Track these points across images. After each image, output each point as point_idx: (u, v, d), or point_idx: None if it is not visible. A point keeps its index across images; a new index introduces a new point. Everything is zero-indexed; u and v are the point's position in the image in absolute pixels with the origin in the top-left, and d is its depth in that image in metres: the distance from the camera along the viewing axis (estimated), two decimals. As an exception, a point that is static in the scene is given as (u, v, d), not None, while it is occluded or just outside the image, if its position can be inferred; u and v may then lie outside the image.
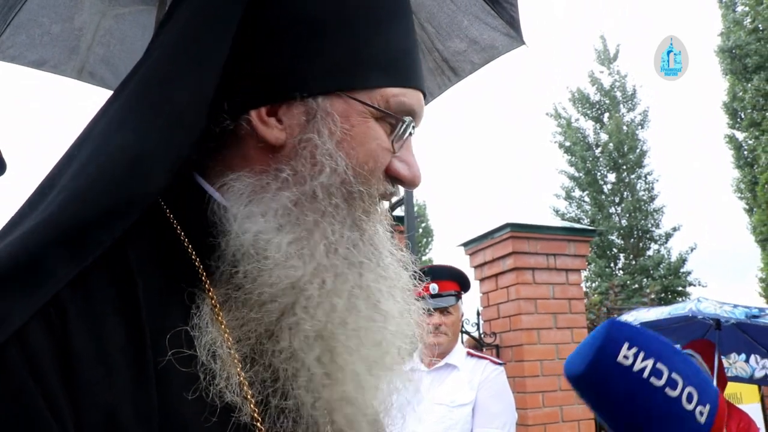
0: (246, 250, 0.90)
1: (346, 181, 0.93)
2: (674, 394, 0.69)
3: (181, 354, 0.82)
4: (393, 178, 0.99)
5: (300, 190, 0.92)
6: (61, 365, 0.73)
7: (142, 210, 0.87)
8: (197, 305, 0.88)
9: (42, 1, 2.21)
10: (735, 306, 5.00)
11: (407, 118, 0.97)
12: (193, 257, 0.91)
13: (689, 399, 0.70)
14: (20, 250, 0.76)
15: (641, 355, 0.69)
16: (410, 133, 1.00)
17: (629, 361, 0.69)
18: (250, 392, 0.86)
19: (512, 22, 2.13)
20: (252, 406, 0.86)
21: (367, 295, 0.93)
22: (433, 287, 3.79)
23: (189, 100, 0.92)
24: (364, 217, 0.95)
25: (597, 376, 0.71)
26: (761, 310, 4.89)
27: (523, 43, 2.20)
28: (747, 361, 5.70)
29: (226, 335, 0.87)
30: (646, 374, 0.69)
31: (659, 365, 0.69)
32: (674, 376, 0.70)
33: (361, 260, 0.94)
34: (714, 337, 5.12)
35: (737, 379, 5.67)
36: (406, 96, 0.98)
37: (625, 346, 0.70)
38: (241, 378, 0.86)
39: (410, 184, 1.00)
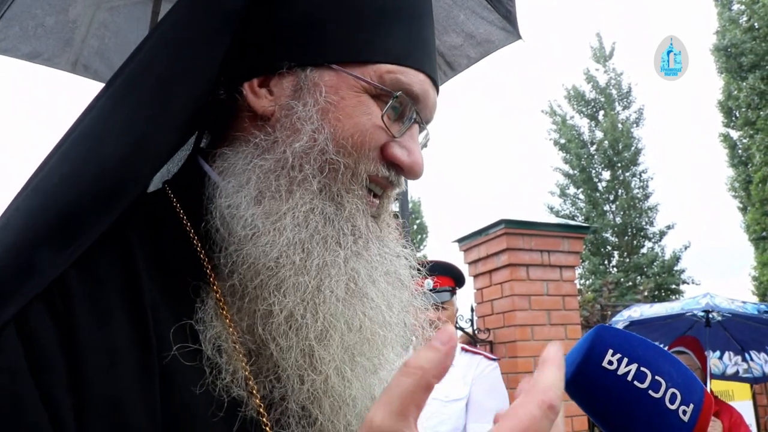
0: (223, 230, 0.89)
1: (324, 151, 0.91)
2: (657, 395, 0.74)
3: (186, 348, 0.82)
4: (391, 163, 0.96)
5: (274, 158, 0.91)
6: (64, 349, 0.72)
7: (135, 194, 0.87)
8: (202, 299, 0.87)
9: (35, -8, 2.18)
10: (744, 302, 5.43)
11: (399, 93, 0.94)
12: (197, 248, 0.90)
13: (672, 400, 0.74)
14: (15, 236, 0.76)
15: (625, 360, 0.74)
16: (414, 119, 0.97)
17: (614, 366, 0.74)
18: (255, 387, 0.85)
19: (509, 16, 2.11)
20: (257, 400, 0.85)
21: (341, 275, 0.89)
22: (428, 282, 3.78)
23: (188, 82, 0.92)
24: (345, 193, 0.92)
25: (584, 381, 0.76)
26: None
27: (519, 37, 2.18)
28: (720, 358, 6.00)
29: (231, 329, 0.86)
30: (630, 377, 0.74)
31: (642, 369, 0.74)
32: (657, 378, 0.74)
33: (333, 235, 0.90)
34: (702, 333, 5.42)
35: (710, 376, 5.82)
36: (404, 74, 0.95)
37: (610, 352, 0.75)
38: (247, 372, 0.85)
39: (409, 171, 0.97)
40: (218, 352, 0.83)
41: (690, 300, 5.82)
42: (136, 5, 2.30)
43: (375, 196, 0.99)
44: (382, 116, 0.94)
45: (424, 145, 1.06)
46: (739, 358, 5.89)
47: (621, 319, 6.09)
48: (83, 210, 0.80)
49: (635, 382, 0.74)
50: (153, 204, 0.93)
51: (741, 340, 5.83)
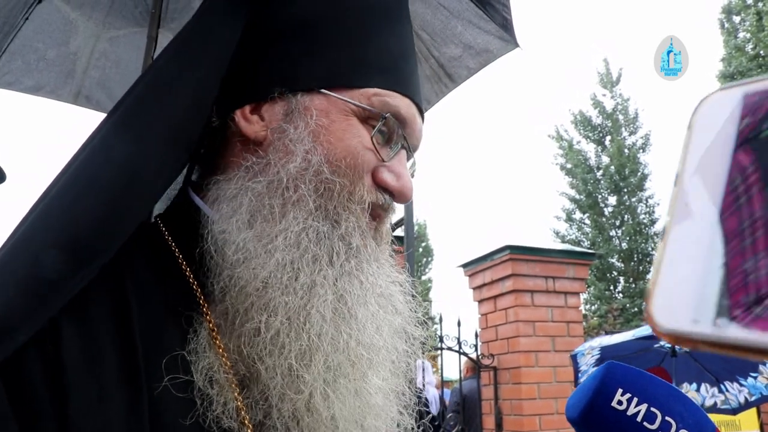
0: (217, 256, 0.89)
1: (319, 172, 0.92)
2: None
3: (177, 379, 0.81)
4: (381, 188, 0.97)
5: (267, 179, 0.92)
6: (50, 393, 0.72)
7: (134, 227, 0.86)
8: (194, 329, 0.86)
9: (37, 26, 2.19)
10: None
11: (387, 115, 0.96)
12: (190, 279, 0.90)
13: None
14: (17, 272, 0.76)
15: (635, 400, 0.72)
16: (402, 145, 0.99)
17: (623, 406, 0.73)
18: (247, 417, 0.84)
19: (505, 25, 2.08)
20: (249, 431, 0.84)
21: (329, 294, 0.88)
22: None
23: (186, 111, 0.93)
24: (342, 211, 0.92)
25: (592, 420, 0.75)
26: None
27: (517, 45, 2.14)
28: (698, 390, 5.95)
29: (223, 359, 0.85)
30: (639, 418, 0.72)
31: (653, 409, 0.73)
32: (668, 418, 0.73)
33: (325, 254, 0.90)
34: (670, 365, 5.48)
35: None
36: (391, 98, 0.97)
37: (619, 392, 0.73)
38: (239, 402, 0.84)
39: (399, 195, 0.98)
40: (210, 383, 0.83)
41: (641, 328, 5.88)
42: (135, 34, 2.29)
43: (373, 220, 0.99)
44: (371, 138, 0.95)
45: (411, 175, 1.06)
46: (715, 389, 5.92)
47: (585, 349, 6.00)
48: (86, 248, 0.80)
49: (645, 423, 0.72)
50: (145, 238, 0.93)
51: (713, 370, 5.86)
